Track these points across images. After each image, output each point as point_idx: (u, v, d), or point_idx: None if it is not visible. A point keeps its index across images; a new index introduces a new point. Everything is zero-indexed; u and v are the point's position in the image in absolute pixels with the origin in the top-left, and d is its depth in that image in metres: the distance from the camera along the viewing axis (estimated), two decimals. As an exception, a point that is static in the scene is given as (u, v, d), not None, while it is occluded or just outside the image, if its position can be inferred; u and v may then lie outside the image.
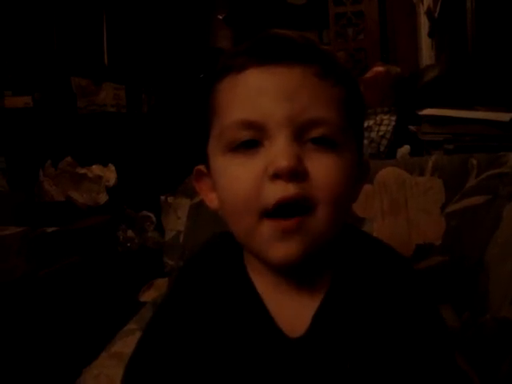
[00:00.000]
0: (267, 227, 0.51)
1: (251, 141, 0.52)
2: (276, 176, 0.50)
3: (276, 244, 0.51)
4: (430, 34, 3.31)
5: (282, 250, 0.51)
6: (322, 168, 0.51)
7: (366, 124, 2.45)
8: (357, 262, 0.59)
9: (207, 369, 0.55)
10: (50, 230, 1.97)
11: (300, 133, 0.51)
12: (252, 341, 0.55)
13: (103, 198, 2.42)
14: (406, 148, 1.79)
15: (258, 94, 0.52)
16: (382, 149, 2.36)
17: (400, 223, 0.95)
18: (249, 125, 0.52)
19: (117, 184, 2.57)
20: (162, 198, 2.46)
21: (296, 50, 0.53)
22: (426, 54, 3.57)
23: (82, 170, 2.40)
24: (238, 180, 0.52)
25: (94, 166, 2.51)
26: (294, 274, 0.56)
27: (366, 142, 2.35)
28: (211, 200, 0.60)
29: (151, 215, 2.72)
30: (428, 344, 0.56)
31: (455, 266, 0.91)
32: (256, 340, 0.55)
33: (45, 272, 1.80)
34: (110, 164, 2.60)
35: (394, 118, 2.44)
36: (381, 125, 2.43)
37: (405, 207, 0.95)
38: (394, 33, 3.97)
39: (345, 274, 0.58)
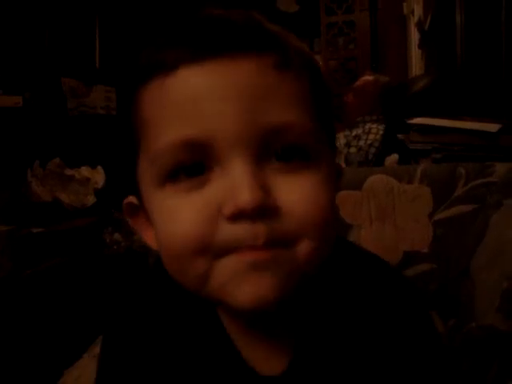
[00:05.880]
0: (229, 264, 0.38)
1: (194, 165, 0.39)
2: (236, 217, 0.37)
3: (243, 283, 0.38)
4: (419, 46, 3.35)
5: (252, 290, 0.38)
6: (297, 195, 0.39)
7: (354, 132, 2.47)
8: (335, 291, 0.49)
9: None
10: (36, 230, 1.95)
11: (261, 149, 0.39)
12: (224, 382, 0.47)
13: (91, 200, 2.40)
14: (394, 157, 1.80)
15: (198, 101, 0.38)
16: (370, 157, 2.38)
17: (388, 230, 0.95)
18: (189, 146, 0.38)
19: (105, 186, 2.55)
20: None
21: (241, 35, 0.39)
22: (416, 64, 3.62)
23: (70, 172, 2.38)
24: (181, 221, 0.39)
25: (82, 168, 2.49)
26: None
27: (354, 150, 2.37)
28: (151, 239, 0.46)
29: (139, 218, 2.71)
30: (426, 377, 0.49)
31: (442, 274, 0.91)
32: (228, 382, 0.47)
33: (30, 272, 1.78)
34: (98, 166, 2.59)
35: (382, 127, 2.46)
36: (369, 133, 2.44)
37: (393, 214, 0.96)
38: (385, 43, 4.01)
39: (322, 305, 0.48)
